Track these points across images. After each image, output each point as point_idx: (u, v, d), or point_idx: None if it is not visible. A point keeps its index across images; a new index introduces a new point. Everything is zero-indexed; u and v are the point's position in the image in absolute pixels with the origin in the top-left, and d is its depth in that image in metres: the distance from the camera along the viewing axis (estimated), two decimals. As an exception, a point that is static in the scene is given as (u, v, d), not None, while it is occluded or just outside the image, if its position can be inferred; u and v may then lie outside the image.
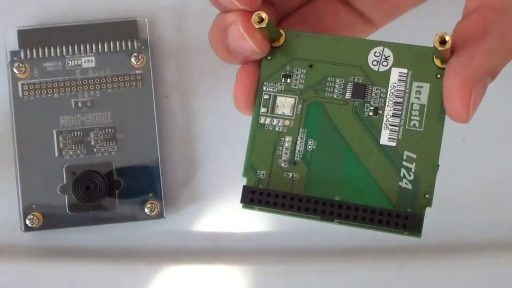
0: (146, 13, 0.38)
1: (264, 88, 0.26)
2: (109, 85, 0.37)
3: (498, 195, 0.36)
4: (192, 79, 0.38)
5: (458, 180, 0.37)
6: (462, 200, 0.37)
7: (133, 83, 0.37)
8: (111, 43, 0.37)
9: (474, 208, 0.37)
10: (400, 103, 0.24)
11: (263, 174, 0.26)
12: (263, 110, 0.26)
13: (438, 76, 0.24)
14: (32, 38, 0.37)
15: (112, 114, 0.37)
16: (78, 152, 0.37)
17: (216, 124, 0.38)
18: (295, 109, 0.25)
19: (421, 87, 0.24)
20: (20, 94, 0.37)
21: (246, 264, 0.38)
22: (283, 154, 0.25)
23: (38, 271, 0.37)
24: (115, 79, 0.37)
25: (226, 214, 0.38)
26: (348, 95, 0.25)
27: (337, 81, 0.25)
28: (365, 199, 0.24)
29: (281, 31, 0.26)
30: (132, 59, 0.37)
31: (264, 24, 0.23)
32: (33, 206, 0.37)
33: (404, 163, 0.24)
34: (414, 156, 0.24)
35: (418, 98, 0.24)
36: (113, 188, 0.37)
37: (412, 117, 0.24)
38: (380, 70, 0.25)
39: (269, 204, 0.25)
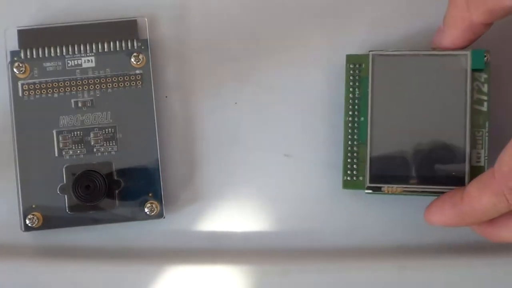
0: (146, 13, 0.38)
1: None
2: (109, 85, 0.37)
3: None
4: (192, 79, 0.38)
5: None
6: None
7: (133, 83, 0.37)
8: (111, 43, 0.37)
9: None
10: None
11: None
12: None
13: None
14: (32, 38, 0.37)
15: (112, 114, 0.37)
16: (78, 152, 0.37)
17: (216, 124, 0.38)
18: None
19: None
20: (20, 94, 0.37)
21: (246, 264, 0.38)
22: None
23: (38, 271, 0.37)
24: (115, 79, 0.37)
25: (226, 214, 0.38)
26: None
27: None
28: None
29: None
30: (132, 59, 0.37)
31: None
32: (33, 206, 0.37)
33: None
34: None
35: None
36: (113, 188, 0.37)
37: None
38: None
39: None
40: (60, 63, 0.37)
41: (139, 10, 0.38)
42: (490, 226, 0.34)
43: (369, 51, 0.36)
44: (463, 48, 0.35)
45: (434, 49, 0.35)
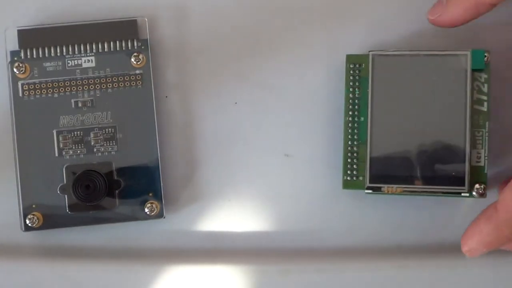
0: (146, 13, 0.38)
1: None
2: (109, 85, 0.37)
3: (498, 195, 0.36)
4: (192, 79, 0.38)
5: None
6: (462, 200, 0.37)
7: (133, 83, 0.37)
8: (111, 43, 0.37)
9: (474, 207, 0.37)
10: None
11: None
12: None
13: None
14: (32, 38, 0.37)
15: (112, 114, 0.37)
16: (78, 152, 0.37)
17: (216, 124, 0.38)
18: None
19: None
20: (20, 94, 0.37)
21: (246, 264, 0.38)
22: None
23: (38, 271, 0.37)
24: (115, 79, 0.37)
25: (226, 214, 0.38)
26: None
27: None
28: None
29: None
30: (132, 59, 0.37)
31: None
32: (33, 206, 0.37)
33: None
34: None
35: None
36: (113, 188, 0.37)
37: None
38: None
39: None
40: (60, 63, 0.37)
41: (139, 10, 0.38)
42: None
43: (369, 51, 0.36)
44: (459, 25, 0.35)
45: (429, 20, 0.35)
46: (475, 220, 0.33)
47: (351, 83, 0.36)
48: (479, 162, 0.35)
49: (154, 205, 0.37)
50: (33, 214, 0.37)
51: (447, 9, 0.34)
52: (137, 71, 0.37)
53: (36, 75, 0.37)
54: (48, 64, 0.37)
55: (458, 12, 0.34)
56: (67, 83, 0.37)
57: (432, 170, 0.35)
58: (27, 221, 0.36)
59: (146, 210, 0.37)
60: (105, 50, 0.37)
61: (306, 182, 0.38)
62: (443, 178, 0.35)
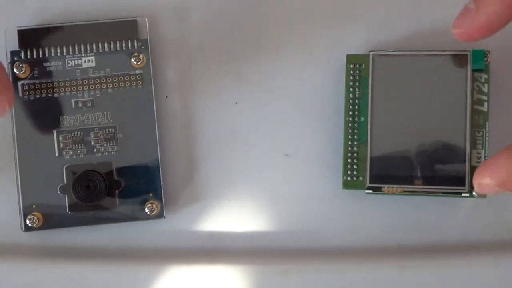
0: (146, 13, 0.38)
1: None
2: (109, 85, 0.37)
3: (498, 195, 0.36)
4: (192, 79, 0.38)
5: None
6: (462, 200, 0.37)
7: (133, 83, 0.37)
8: (111, 43, 0.37)
9: (474, 207, 0.37)
10: None
11: None
12: None
13: None
14: (32, 38, 0.37)
15: (112, 114, 0.37)
16: (78, 152, 0.37)
17: (216, 124, 0.38)
18: None
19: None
20: (20, 94, 0.37)
21: (246, 264, 0.38)
22: None
23: (38, 271, 0.37)
24: (115, 79, 0.37)
25: (226, 214, 0.38)
26: None
27: None
28: None
29: None
30: (132, 59, 0.37)
31: None
32: (33, 206, 0.37)
33: None
34: None
35: None
36: (113, 188, 0.37)
37: None
38: None
39: None
40: (60, 63, 0.37)
41: (139, 10, 0.38)
42: None
43: (369, 51, 0.36)
44: (496, 30, 0.29)
45: (455, 34, 0.30)
46: (495, 154, 0.29)
47: (351, 83, 0.36)
48: (479, 162, 0.35)
49: (154, 205, 0.37)
50: (33, 214, 0.37)
51: (480, 11, 0.27)
52: (137, 71, 0.37)
53: (36, 75, 0.37)
54: (48, 64, 0.37)
55: (495, 11, 0.27)
56: (67, 83, 0.37)
57: (432, 170, 0.35)
58: (27, 221, 0.36)
59: (146, 210, 0.37)
60: (105, 50, 0.37)
61: (306, 182, 0.38)
62: (443, 178, 0.35)
